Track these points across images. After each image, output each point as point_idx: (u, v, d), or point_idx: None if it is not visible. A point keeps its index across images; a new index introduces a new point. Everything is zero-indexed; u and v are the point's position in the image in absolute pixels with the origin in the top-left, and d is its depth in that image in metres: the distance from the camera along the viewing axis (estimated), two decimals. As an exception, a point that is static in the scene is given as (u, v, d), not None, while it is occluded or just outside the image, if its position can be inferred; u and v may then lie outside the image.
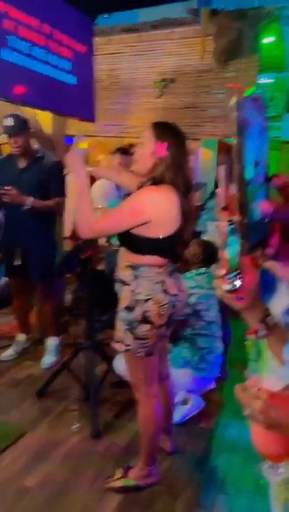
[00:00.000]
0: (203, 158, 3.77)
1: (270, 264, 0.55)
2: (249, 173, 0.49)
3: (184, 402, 2.56)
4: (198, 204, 3.13)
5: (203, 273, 2.60)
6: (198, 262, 2.62)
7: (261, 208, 0.50)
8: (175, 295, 1.85)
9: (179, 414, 2.47)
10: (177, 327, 2.34)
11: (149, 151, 1.79)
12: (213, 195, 3.14)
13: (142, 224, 1.73)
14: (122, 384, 2.60)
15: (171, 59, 3.87)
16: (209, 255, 2.62)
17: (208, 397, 2.73)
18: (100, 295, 2.85)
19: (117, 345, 1.89)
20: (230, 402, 2.64)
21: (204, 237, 3.03)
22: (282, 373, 0.97)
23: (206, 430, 2.52)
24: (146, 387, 1.94)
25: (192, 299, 2.46)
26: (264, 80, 4.64)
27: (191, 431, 2.51)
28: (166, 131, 1.79)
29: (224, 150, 3.13)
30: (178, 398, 2.50)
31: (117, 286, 1.90)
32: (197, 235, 3.01)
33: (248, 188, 0.48)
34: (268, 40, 3.98)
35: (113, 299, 2.01)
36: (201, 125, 3.83)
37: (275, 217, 0.51)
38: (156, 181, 1.76)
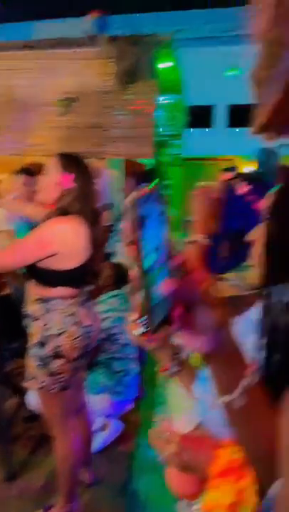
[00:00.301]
0: (108, 179, 3.82)
1: (178, 337, 0.58)
2: (151, 260, 0.51)
3: (103, 428, 2.53)
4: (107, 225, 3.15)
5: (116, 295, 2.61)
6: (110, 285, 2.63)
7: (163, 288, 0.52)
8: (89, 325, 1.83)
9: (98, 442, 2.43)
10: (92, 354, 2.31)
11: (54, 181, 1.76)
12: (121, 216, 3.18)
13: (50, 256, 1.69)
14: (35, 417, 2.48)
15: (73, 78, 3.87)
16: (121, 277, 2.64)
17: (126, 418, 2.73)
18: (8, 321, 2.71)
19: (29, 383, 1.81)
20: (148, 422, 2.66)
21: (115, 259, 3.05)
22: (192, 413, 1.01)
23: (126, 453, 2.52)
24: (62, 423, 1.88)
25: (106, 323, 2.46)
26: (163, 101, 4.86)
27: (111, 456, 2.48)
28: (72, 162, 1.77)
29: (131, 172, 3.20)
30: (96, 425, 2.46)
31: (27, 321, 1.82)
32: (107, 256, 3.02)
33: (149, 275, 0.50)
34: (164, 65, 4.17)
35: (22, 325, 1.92)
36: (105, 145, 3.87)
37: (177, 294, 0.54)
38: (63, 212, 1.73)
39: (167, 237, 0.55)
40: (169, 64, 4.38)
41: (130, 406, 2.74)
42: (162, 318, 0.53)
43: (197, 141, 7.58)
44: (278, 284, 0.83)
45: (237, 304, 1.10)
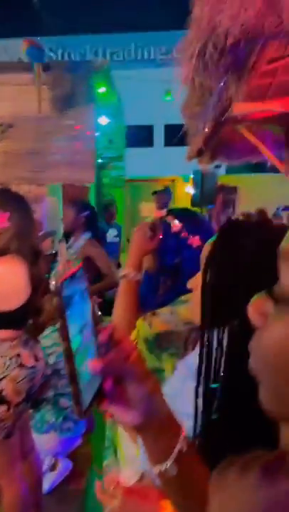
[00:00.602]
0: (49, 206, 3.76)
1: (113, 411, 0.57)
2: (77, 341, 0.51)
3: (52, 468, 2.43)
4: (48, 254, 3.08)
5: (60, 328, 2.54)
6: (53, 318, 2.55)
7: (91, 366, 0.52)
8: (32, 367, 1.76)
9: (47, 483, 2.33)
10: (37, 392, 2.22)
11: (-11, 219, 1.70)
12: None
13: (-12, 299, 1.62)
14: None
15: (8, 104, 3.80)
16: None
17: (75, 452, 2.64)
18: None
19: None
20: (99, 455, 2.60)
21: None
22: (138, 461, 1.00)
23: (78, 491, 2.43)
24: (8, 471, 1.78)
25: (51, 359, 2.38)
26: (102, 124, 4.91)
27: (62, 496, 2.38)
28: (7, 199, 1.72)
29: (71, 200, 3.17)
30: (45, 465, 2.36)
31: None
32: (50, 288, 2.94)
33: (76, 357, 0.50)
34: (101, 90, 4.23)
35: None
36: (43, 171, 3.82)
37: (106, 372, 0.54)
38: (0, 252, 1.67)
39: (92, 313, 0.55)
40: (106, 88, 4.45)
41: (79, 442, 2.66)
42: (92, 397, 0.53)
43: (138, 162, 7.71)
44: (215, 328, 0.85)
45: (172, 340, 1.11)
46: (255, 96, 2.17)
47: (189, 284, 0.98)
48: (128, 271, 1.24)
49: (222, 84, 1.59)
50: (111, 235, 5.09)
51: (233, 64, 1.50)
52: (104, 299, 3.07)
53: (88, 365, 0.52)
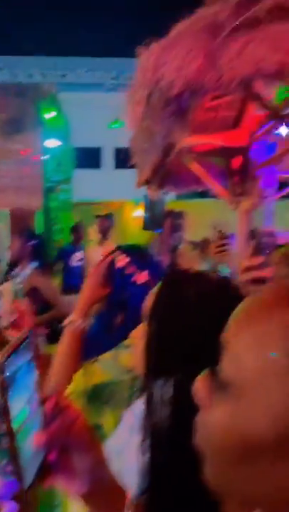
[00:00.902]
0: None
1: (57, 481, 0.55)
2: (22, 417, 0.49)
3: (-5, 513, 2.28)
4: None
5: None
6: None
7: (35, 441, 0.50)
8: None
9: (-11, 530, 2.18)
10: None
11: None
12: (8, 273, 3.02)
13: None
14: None
15: None
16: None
17: (21, 494, 2.50)
18: None
19: None
20: (47, 497, 2.48)
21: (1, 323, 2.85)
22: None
23: (23, 536, 2.29)
24: None
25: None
26: (50, 148, 4.88)
27: None
28: None
29: (17, 226, 3.09)
30: (-13, 511, 2.21)
31: None
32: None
33: (19, 434, 0.48)
34: (49, 115, 4.23)
35: None
36: (-11, 196, 3.73)
37: (50, 444, 0.52)
38: None
39: (39, 381, 0.53)
40: (54, 113, 4.45)
41: (25, 482, 2.52)
42: (36, 471, 0.51)
43: (88, 185, 7.70)
44: (158, 379, 0.84)
45: (113, 391, 1.06)
46: (199, 130, 2.27)
47: (132, 335, 0.96)
48: (75, 318, 1.18)
49: (167, 126, 1.65)
50: (76, 258, 4.92)
51: (177, 110, 1.57)
52: (51, 328, 2.99)
53: (32, 440, 0.50)
